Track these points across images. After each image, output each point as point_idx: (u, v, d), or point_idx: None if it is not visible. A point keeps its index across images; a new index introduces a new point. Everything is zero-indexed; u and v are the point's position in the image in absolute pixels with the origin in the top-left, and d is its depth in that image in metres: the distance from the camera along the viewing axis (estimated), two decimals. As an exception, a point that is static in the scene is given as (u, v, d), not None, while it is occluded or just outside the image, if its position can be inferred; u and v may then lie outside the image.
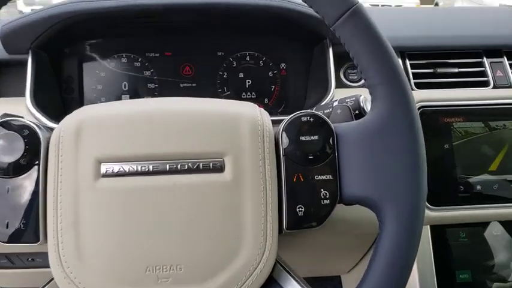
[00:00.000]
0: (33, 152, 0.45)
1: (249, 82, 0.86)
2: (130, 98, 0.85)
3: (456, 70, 0.77)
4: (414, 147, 0.44)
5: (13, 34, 0.73)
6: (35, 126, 0.46)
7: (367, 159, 0.45)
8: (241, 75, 0.86)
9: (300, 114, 0.47)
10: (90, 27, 0.80)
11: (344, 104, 0.55)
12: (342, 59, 0.79)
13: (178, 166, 0.45)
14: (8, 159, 0.44)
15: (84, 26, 0.77)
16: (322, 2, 0.45)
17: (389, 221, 0.43)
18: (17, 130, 0.45)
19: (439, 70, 0.77)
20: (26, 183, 0.45)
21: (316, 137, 0.46)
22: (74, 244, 0.43)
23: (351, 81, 0.79)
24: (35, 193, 0.44)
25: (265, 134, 0.46)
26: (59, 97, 0.83)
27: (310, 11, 0.73)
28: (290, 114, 0.47)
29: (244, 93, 0.86)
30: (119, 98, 0.85)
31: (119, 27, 0.82)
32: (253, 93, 0.86)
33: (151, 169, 0.45)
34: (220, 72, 0.86)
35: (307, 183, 0.46)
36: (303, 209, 0.45)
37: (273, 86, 0.86)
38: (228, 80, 0.86)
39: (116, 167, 0.44)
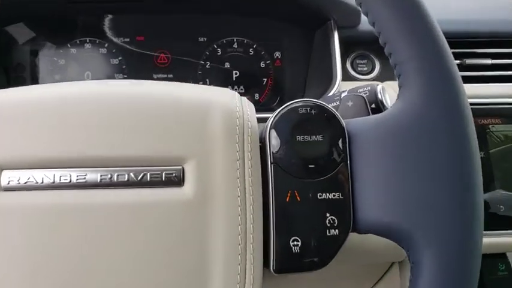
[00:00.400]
0: None
1: (236, 74, 0.71)
2: (94, 90, 0.71)
3: (489, 62, 0.63)
4: (465, 150, 0.29)
5: None
6: None
7: (393, 170, 0.31)
8: (227, 65, 0.72)
9: (297, 105, 0.33)
10: (44, 2, 0.65)
11: (357, 93, 0.41)
12: (350, 46, 0.64)
13: (115, 176, 0.30)
14: None
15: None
16: None
17: (430, 264, 0.28)
18: None
19: (468, 61, 0.63)
20: None
21: (319, 137, 0.32)
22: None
23: (360, 73, 0.65)
24: None
25: (245, 131, 0.32)
26: (6, 88, 0.69)
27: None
28: None
29: (230, 87, 0.71)
30: (80, 91, 0.71)
31: (81, 4, 0.67)
32: (242, 87, 0.71)
33: (74, 180, 0.30)
34: (202, 62, 0.72)
35: (307, 205, 0.31)
36: (299, 243, 0.31)
37: (265, 79, 0.71)
38: (211, 71, 0.71)
39: (24, 176, 0.30)
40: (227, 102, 0.33)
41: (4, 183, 0.30)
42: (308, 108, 0.33)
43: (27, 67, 0.70)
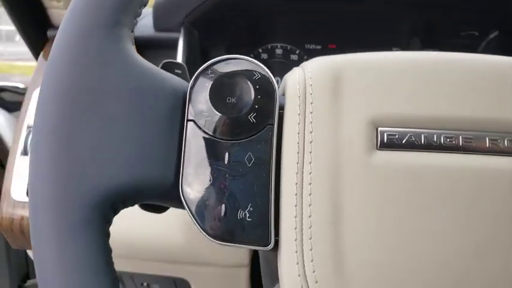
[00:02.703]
0: (266, 106, 0.29)
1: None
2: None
3: None
4: None
5: (169, 3, 0.61)
6: (266, 69, 0.31)
7: None
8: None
9: None
10: (252, 5, 0.66)
11: None
12: None
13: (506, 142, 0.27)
14: (230, 112, 0.29)
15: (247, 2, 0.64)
16: None
17: None
18: (243, 72, 0.30)
19: None
20: (255, 150, 0.28)
21: None
22: (333, 256, 0.25)
23: None
24: (266, 167, 0.28)
25: None
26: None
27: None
28: None
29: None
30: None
31: (283, 9, 0.68)
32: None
33: (460, 143, 0.27)
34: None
35: None
36: None
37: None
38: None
39: (403, 134, 0.27)
40: None
41: (381, 140, 0.27)
42: None
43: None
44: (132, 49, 0.29)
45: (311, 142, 0.27)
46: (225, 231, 0.27)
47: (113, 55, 0.28)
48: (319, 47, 0.71)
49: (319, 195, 0.26)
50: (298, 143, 0.28)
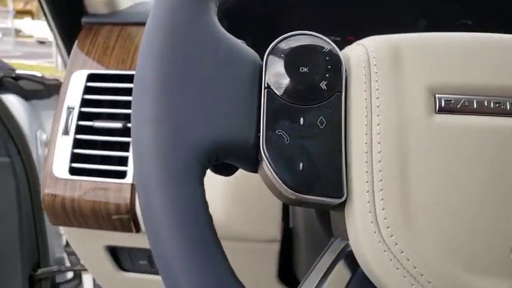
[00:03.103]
0: (335, 75, 0.33)
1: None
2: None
3: None
4: None
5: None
6: (333, 44, 0.34)
7: None
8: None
9: None
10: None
11: None
12: None
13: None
14: (303, 80, 0.33)
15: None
16: None
17: None
18: (314, 46, 0.34)
19: None
20: (326, 114, 0.32)
21: None
22: (402, 205, 0.29)
23: None
24: (337, 129, 0.32)
25: None
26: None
27: None
28: None
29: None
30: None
31: (303, 2, 0.72)
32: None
33: (508, 107, 0.31)
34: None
35: None
36: None
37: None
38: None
39: (458, 100, 0.31)
40: None
41: (439, 105, 0.31)
42: None
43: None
44: (217, 21, 0.32)
45: (378, 106, 0.31)
46: (303, 184, 0.31)
47: (204, 26, 0.31)
48: (338, 38, 0.75)
49: (388, 152, 0.30)
50: (366, 107, 0.31)
